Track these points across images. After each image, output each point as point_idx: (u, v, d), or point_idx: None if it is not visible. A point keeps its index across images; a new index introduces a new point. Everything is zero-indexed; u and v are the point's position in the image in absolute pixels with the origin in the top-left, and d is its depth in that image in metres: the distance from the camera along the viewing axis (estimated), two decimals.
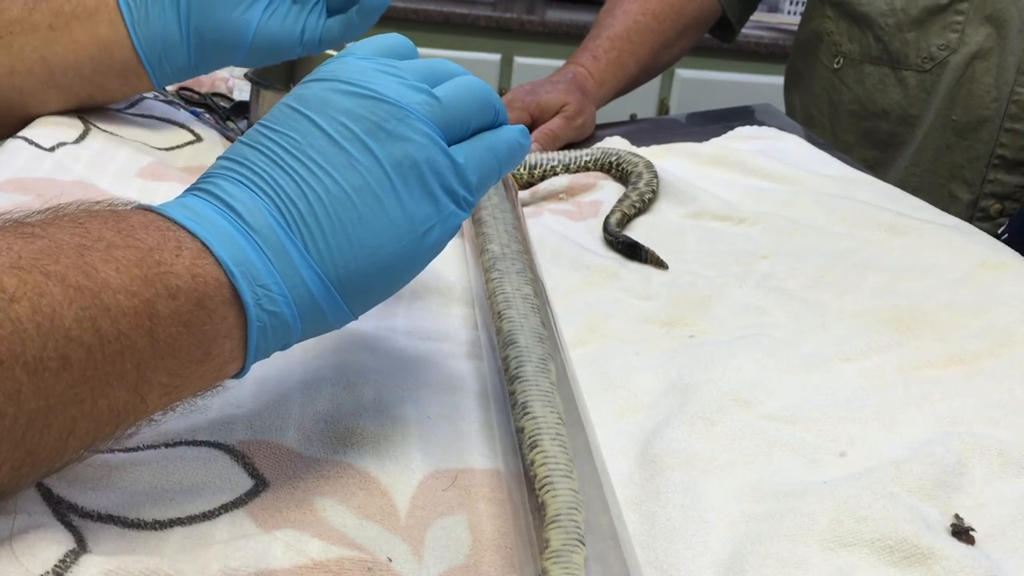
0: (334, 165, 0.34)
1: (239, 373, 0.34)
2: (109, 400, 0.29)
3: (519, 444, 0.35)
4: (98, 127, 0.63)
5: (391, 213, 0.35)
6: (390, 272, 0.36)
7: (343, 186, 0.34)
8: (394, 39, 0.39)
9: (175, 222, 0.32)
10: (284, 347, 0.35)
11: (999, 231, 0.86)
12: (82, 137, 0.61)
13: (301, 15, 0.62)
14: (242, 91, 0.88)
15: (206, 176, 0.35)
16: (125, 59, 0.60)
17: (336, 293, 0.34)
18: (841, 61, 1.07)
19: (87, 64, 0.60)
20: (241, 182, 0.34)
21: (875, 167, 1.05)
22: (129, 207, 0.33)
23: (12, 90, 0.61)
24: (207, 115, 0.78)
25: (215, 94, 0.86)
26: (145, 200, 0.34)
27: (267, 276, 0.33)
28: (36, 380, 0.27)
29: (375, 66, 0.37)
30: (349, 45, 0.39)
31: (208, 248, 0.32)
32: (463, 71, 0.40)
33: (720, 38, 1.13)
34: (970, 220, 0.98)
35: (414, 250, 0.36)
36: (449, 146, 0.37)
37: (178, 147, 0.66)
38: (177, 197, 0.35)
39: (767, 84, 1.96)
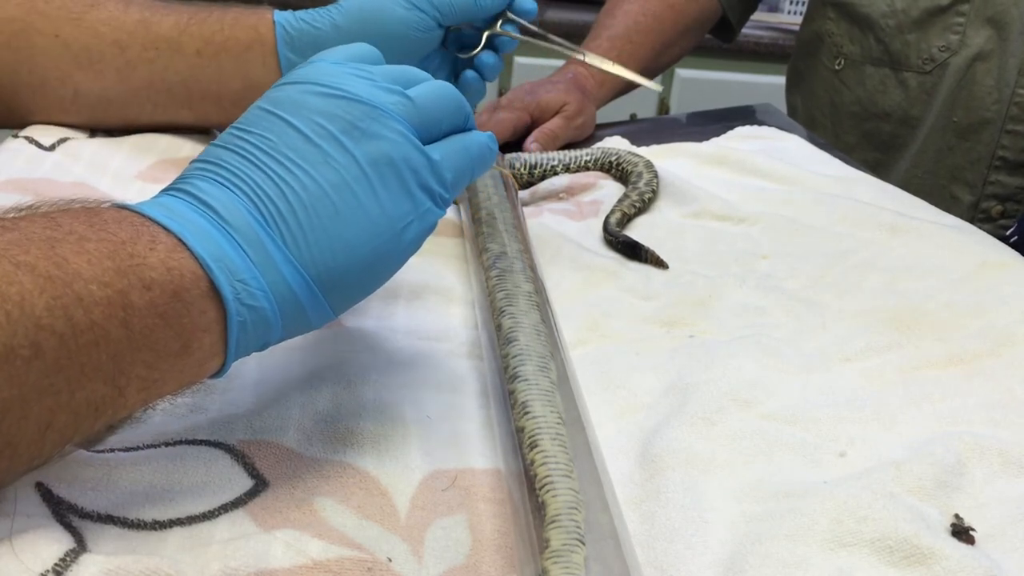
0: (310, 162, 0.35)
1: (220, 371, 0.34)
2: (86, 392, 0.29)
3: (519, 444, 0.35)
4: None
5: (369, 209, 0.35)
6: (369, 268, 0.36)
7: (320, 182, 0.34)
8: (362, 48, 0.40)
9: (149, 218, 0.32)
10: (265, 346, 0.35)
11: (1007, 233, 0.85)
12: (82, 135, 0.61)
13: (444, 65, 0.63)
14: None
15: (181, 177, 0.35)
16: None
17: (316, 289, 0.35)
18: (842, 62, 1.07)
19: (228, 97, 0.60)
20: (217, 181, 0.34)
21: (876, 168, 1.05)
22: (104, 205, 0.33)
23: (147, 102, 0.60)
24: None
25: None
26: None
27: (246, 271, 0.33)
28: (8, 368, 0.27)
29: (347, 70, 0.37)
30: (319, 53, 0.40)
31: (183, 243, 0.32)
32: (431, 77, 0.40)
33: (720, 38, 1.13)
34: (971, 222, 0.98)
35: (392, 247, 0.36)
36: (424, 145, 0.37)
37: (178, 148, 0.66)
38: (152, 197, 0.35)
39: (767, 84, 1.96)
